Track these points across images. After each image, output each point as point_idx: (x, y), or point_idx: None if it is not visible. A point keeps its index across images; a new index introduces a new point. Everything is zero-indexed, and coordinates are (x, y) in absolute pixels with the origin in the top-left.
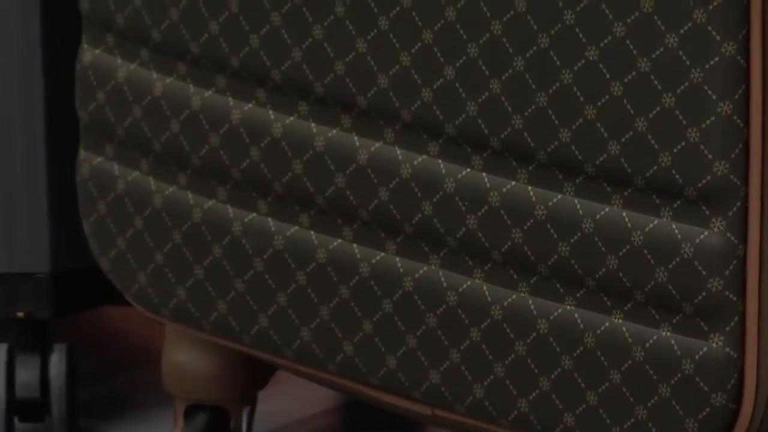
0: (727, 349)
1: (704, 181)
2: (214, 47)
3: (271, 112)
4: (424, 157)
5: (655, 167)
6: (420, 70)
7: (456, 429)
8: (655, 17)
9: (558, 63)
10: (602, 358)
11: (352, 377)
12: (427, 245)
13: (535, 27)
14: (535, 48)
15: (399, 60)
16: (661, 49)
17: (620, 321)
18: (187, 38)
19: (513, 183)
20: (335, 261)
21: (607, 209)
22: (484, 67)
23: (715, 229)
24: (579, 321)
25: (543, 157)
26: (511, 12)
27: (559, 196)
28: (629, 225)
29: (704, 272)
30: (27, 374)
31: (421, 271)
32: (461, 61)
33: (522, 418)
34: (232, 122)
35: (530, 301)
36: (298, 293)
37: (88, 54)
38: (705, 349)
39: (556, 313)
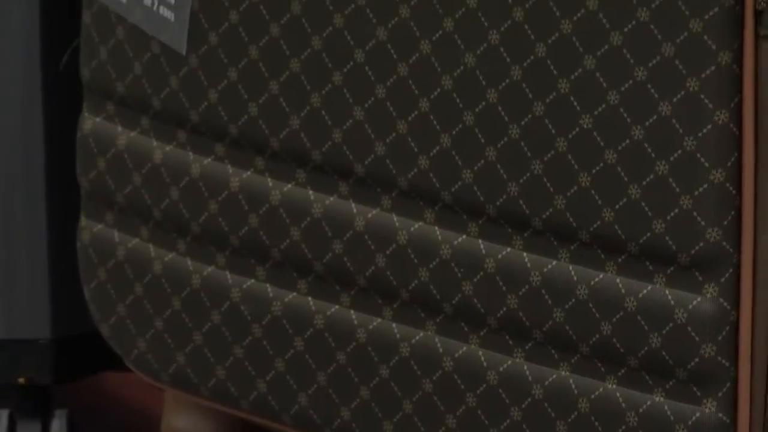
0: (720, 415)
1: (697, 248)
2: (213, 115)
3: (269, 179)
4: (420, 224)
5: (649, 234)
6: (417, 138)
7: None
8: (649, 86)
9: (553, 131)
10: (596, 424)
11: None
12: (423, 311)
13: (530, 95)
14: (530, 116)
15: (396, 128)
16: (655, 117)
17: (614, 386)
18: (187, 106)
19: (508, 249)
20: (333, 327)
21: (601, 275)
22: (479, 135)
23: (708, 295)
24: (573, 386)
25: (538, 223)
26: (507, 80)
27: (554, 263)
28: (623, 291)
29: (697, 338)
30: None
31: (417, 337)
32: (457, 129)
33: None
34: (231, 189)
35: (525, 367)
36: (295, 359)
37: (89, 122)
38: (698, 414)
39: (550, 379)
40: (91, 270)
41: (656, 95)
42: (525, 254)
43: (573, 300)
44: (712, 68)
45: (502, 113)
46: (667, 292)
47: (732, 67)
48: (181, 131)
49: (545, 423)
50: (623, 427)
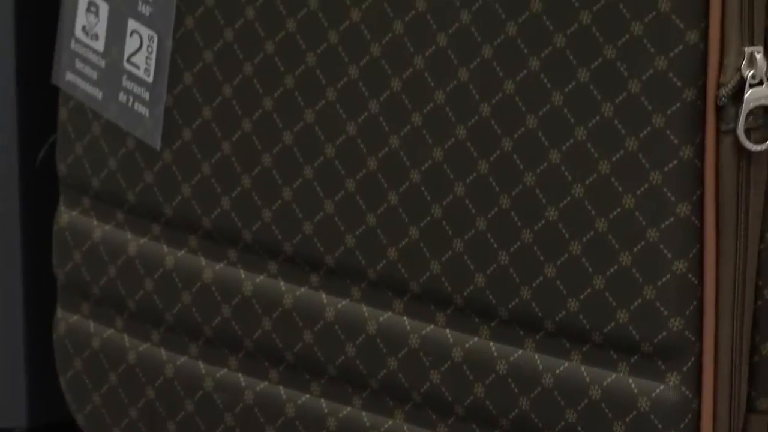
0: None
1: (660, 337)
2: (186, 209)
3: (242, 271)
4: (389, 314)
5: (613, 323)
6: (386, 230)
7: None
8: (613, 179)
9: (519, 223)
10: None
11: None
12: (392, 399)
13: (497, 189)
14: (496, 209)
15: (365, 220)
16: (619, 209)
17: None
18: (161, 200)
19: (475, 339)
20: (304, 416)
21: (566, 364)
22: (447, 228)
23: (671, 384)
24: None
25: (504, 313)
26: (474, 174)
27: (520, 352)
28: (587, 380)
29: (660, 426)
30: None
31: (386, 425)
32: (425, 221)
33: None
34: (204, 281)
35: None
36: None
37: (65, 216)
38: None
39: None
40: (67, 360)
41: (620, 188)
42: (491, 343)
43: (539, 388)
44: (675, 162)
45: (469, 206)
46: (630, 380)
47: (694, 161)
48: (156, 224)
49: None
50: None
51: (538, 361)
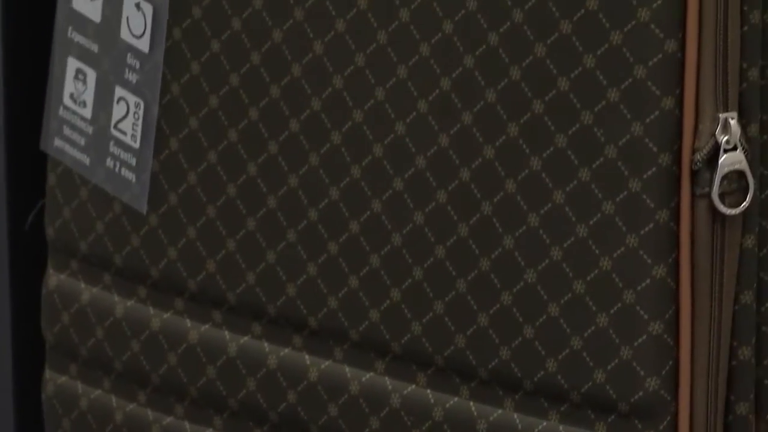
0: None
1: (636, 397)
2: (172, 272)
3: (226, 332)
4: (371, 374)
5: (590, 383)
6: (368, 292)
7: None
8: (590, 242)
9: (498, 285)
10: None
11: None
12: None
13: (476, 251)
14: (476, 271)
15: (348, 283)
16: (596, 271)
17: None
18: (147, 263)
19: (456, 399)
20: None
21: (544, 423)
22: (428, 289)
23: None
24: None
25: (484, 374)
26: (454, 237)
27: (500, 411)
28: None
29: None
30: None
31: None
32: (407, 283)
33: None
34: (190, 342)
35: None
36: None
37: (54, 279)
38: None
39: None
40: (55, 420)
41: (597, 251)
42: (472, 403)
43: None
44: (651, 225)
45: (450, 268)
46: None
47: (669, 225)
48: (142, 287)
49: None
50: None
51: (518, 421)
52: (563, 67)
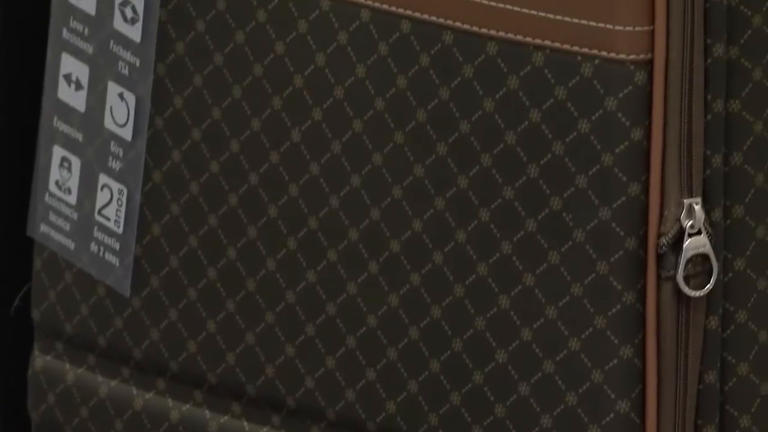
0: None
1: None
2: (155, 353)
3: (207, 411)
4: None
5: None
6: (344, 372)
7: None
8: (559, 323)
9: (470, 365)
10: None
11: None
12: None
13: (449, 333)
14: (449, 352)
15: (324, 363)
16: (565, 351)
17: None
18: (130, 345)
19: None
20: None
21: None
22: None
23: None
24: None
25: None
26: (427, 319)
27: None
28: None
29: None
30: None
31: None
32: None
33: None
34: (172, 421)
35: None
36: None
37: (40, 360)
38: None
39: None
40: None
41: (566, 332)
42: None
43: None
44: (618, 307)
45: (423, 349)
46: None
47: (636, 306)
48: (125, 368)
49: None
50: None
51: None
52: (533, 153)
